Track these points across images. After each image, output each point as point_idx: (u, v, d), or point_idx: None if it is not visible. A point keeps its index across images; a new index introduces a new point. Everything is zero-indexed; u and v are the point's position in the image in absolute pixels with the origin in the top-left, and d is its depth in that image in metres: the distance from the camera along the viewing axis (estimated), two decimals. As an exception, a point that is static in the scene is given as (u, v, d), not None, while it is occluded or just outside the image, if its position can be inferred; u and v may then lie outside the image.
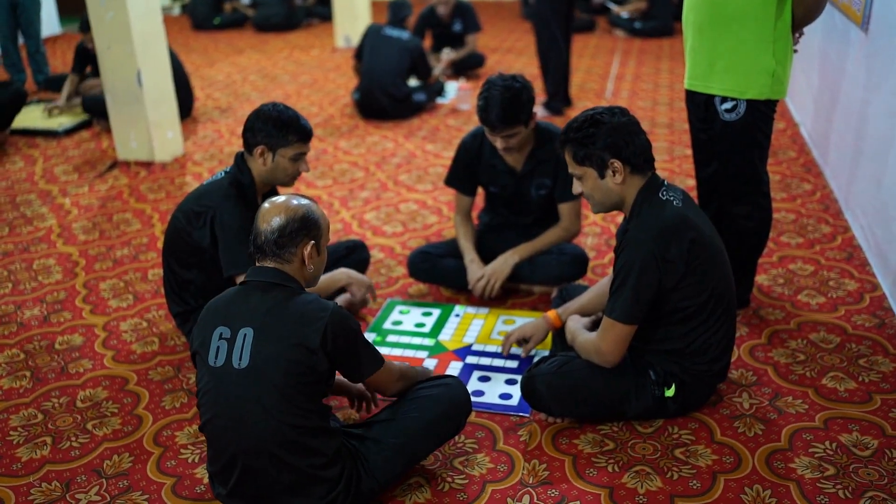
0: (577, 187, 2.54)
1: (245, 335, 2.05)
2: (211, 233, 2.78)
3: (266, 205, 2.16)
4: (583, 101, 6.25)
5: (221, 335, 2.08)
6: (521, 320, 3.19)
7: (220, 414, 2.07)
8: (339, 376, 2.55)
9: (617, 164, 2.40)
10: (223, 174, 2.87)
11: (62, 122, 6.06)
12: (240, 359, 2.04)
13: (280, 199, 2.16)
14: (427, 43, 7.31)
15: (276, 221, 2.10)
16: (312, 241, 2.15)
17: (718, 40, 2.86)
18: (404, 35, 6.06)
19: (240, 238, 2.73)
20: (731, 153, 2.97)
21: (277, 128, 2.76)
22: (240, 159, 2.86)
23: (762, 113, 2.90)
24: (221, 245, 2.77)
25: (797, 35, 2.96)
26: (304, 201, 2.17)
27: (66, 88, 6.25)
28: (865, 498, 2.23)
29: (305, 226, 2.13)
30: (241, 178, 2.83)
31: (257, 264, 2.16)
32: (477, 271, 3.28)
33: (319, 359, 2.04)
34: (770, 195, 3.08)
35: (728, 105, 2.89)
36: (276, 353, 2.02)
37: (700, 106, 3.02)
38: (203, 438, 2.57)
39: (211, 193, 2.82)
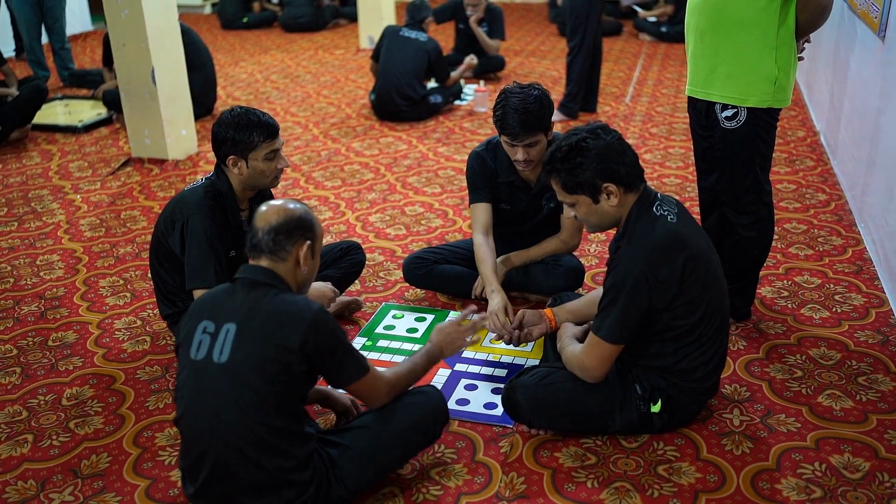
0: (569, 213, 2.44)
1: (228, 330, 2.06)
2: (181, 241, 2.77)
3: (263, 207, 2.18)
4: (601, 105, 6.17)
5: (205, 329, 2.09)
6: (515, 328, 3.13)
7: (196, 407, 2.07)
8: (325, 387, 2.55)
9: (611, 187, 2.31)
10: (202, 181, 2.86)
11: (82, 118, 6.12)
12: (220, 353, 2.05)
13: (277, 202, 2.19)
14: (448, 44, 7.28)
15: (274, 220, 2.13)
16: (308, 242, 2.16)
17: (720, 46, 2.79)
18: (422, 36, 6.02)
19: (204, 252, 2.73)
20: (731, 161, 2.89)
21: (240, 132, 2.72)
22: (219, 167, 2.84)
23: (763, 121, 2.81)
24: (186, 256, 2.76)
25: (802, 42, 2.87)
26: (300, 205, 2.21)
27: (107, 81, 6.31)
28: (851, 523, 2.15)
29: (301, 226, 2.15)
30: (219, 186, 2.82)
31: (251, 262, 2.16)
32: (497, 303, 2.90)
33: (298, 360, 2.03)
34: (772, 205, 2.99)
35: (729, 112, 2.82)
36: (255, 351, 2.02)
37: (701, 113, 2.95)
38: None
39: (186, 201, 2.81)
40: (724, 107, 2.83)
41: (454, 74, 6.39)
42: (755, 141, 2.85)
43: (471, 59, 6.80)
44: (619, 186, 2.32)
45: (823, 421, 2.56)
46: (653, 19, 8.70)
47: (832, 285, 3.37)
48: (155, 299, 3.40)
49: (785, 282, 3.42)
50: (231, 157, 2.76)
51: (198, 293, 2.73)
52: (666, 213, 2.35)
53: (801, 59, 2.88)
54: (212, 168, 5.01)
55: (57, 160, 5.34)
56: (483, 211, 3.17)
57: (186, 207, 2.78)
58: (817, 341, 2.98)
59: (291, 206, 2.18)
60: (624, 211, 2.37)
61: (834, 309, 3.19)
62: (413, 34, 6.01)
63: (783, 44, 2.74)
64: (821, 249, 3.69)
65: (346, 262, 3.31)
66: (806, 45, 2.94)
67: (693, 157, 4.86)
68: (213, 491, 2.08)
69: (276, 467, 2.04)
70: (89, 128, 5.98)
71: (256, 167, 2.77)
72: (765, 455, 2.41)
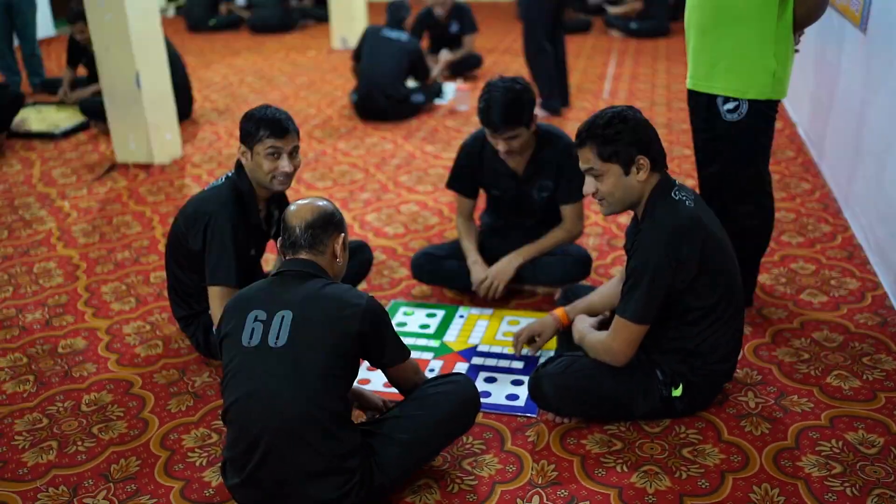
0: (590, 186, 2.49)
1: (283, 317, 2.11)
2: (203, 239, 2.78)
3: (292, 207, 2.27)
4: (580, 101, 6.26)
5: (257, 317, 2.14)
6: (526, 321, 3.20)
7: (250, 392, 2.10)
8: (359, 386, 2.62)
9: (643, 160, 2.41)
10: (224, 179, 2.87)
11: (59, 124, 6.04)
12: (277, 338, 2.10)
13: (305, 200, 2.29)
14: (424, 44, 7.32)
15: (309, 217, 2.23)
16: (343, 234, 2.27)
17: (721, 41, 2.87)
18: (403, 36, 6.07)
19: (228, 250, 2.75)
20: (733, 153, 2.98)
21: (250, 124, 2.78)
22: (239, 165, 2.87)
23: (763, 113, 2.91)
24: (208, 254, 2.77)
25: (798, 35, 2.97)
26: (327, 201, 2.31)
27: (64, 84, 6.39)
28: (873, 495, 2.24)
29: (333, 220, 2.27)
30: (241, 185, 2.84)
31: (289, 258, 2.23)
32: (480, 273, 3.28)
33: (355, 344, 2.12)
34: (772, 194, 3.09)
35: (730, 105, 2.90)
36: (317, 335, 2.09)
37: (703, 106, 3.03)
38: (211, 441, 2.58)
39: (210, 199, 2.82)
40: (726, 100, 2.91)
41: (433, 73, 6.45)
42: (756, 132, 2.94)
43: (445, 57, 6.87)
44: (651, 162, 2.41)
45: (835, 400, 2.65)
46: (622, 16, 8.81)
47: (827, 271, 3.48)
48: (162, 303, 3.41)
49: (781, 268, 3.52)
50: (242, 145, 2.81)
51: (215, 290, 2.75)
52: (684, 198, 2.44)
53: (797, 51, 2.98)
54: (198, 171, 5.05)
55: (38, 167, 5.28)
56: (460, 199, 3.46)
57: (211, 206, 2.79)
58: (819, 325, 3.09)
59: (320, 202, 2.29)
60: (646, 190, 2.45)
61: (831, 293, 3.30)
62: (394, 34, 6.06)
63: (782, 37, 2.84)
64: (811, 237, 3.81)
65: (355, 262, 3.32)
66: (801, 37, 3.04)
67: (679, 151, 5.00)
68: (263, 479, 2.11)
69: (331, 452, 2.08)
70: (67, 134, 5.91)
71: (258, 161, 2.80)
72: (783, 434, 2.50)
